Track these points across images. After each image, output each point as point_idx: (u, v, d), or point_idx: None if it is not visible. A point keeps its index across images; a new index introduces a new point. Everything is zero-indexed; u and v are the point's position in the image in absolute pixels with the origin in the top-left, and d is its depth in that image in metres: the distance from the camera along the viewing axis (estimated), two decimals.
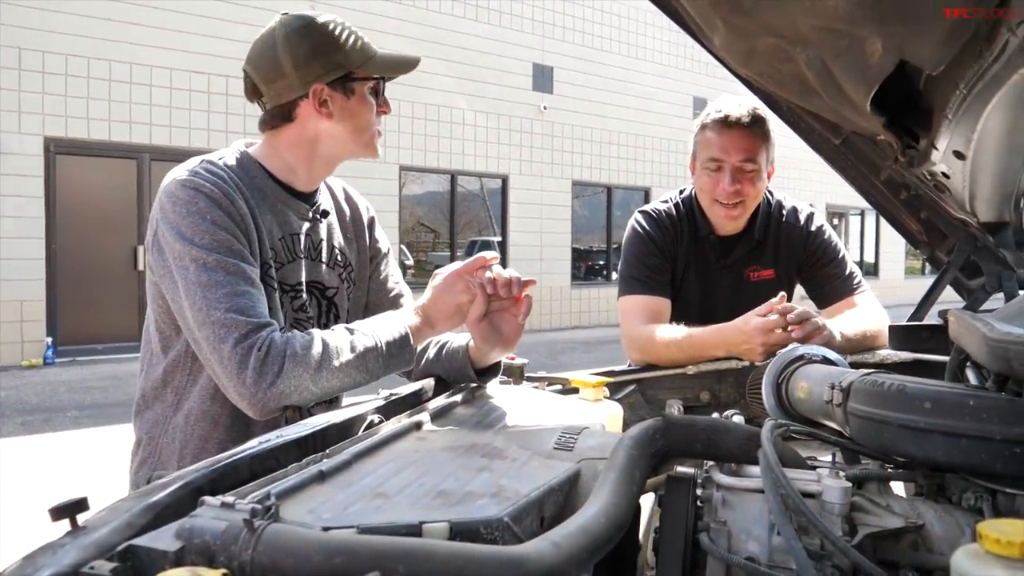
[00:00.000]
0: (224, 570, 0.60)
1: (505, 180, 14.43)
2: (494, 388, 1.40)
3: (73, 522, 0.67)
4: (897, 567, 0.88)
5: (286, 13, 1.46)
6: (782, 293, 1.74)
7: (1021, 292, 1.75)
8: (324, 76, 1.42)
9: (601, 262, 16.46)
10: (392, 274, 1.69)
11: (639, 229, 2.10)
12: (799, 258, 2.07)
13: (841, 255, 2.05)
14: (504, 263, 13.97)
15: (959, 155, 1.42)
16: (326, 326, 1.52)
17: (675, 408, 1.75)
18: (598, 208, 16.31)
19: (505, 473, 0.88)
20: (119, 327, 10.24)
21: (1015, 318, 1.11)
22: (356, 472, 0.87)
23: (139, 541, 0.64)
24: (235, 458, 0.84)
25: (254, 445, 0.88)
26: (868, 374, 1.06)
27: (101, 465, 5.26)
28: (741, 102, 1.98)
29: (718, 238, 2.09)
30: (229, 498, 0.68)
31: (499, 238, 14.64)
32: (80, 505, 0.67)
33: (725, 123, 1.97)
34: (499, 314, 1.39)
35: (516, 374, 1.50)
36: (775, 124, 1.99)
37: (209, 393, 1.38)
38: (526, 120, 14.46)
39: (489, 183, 14.61)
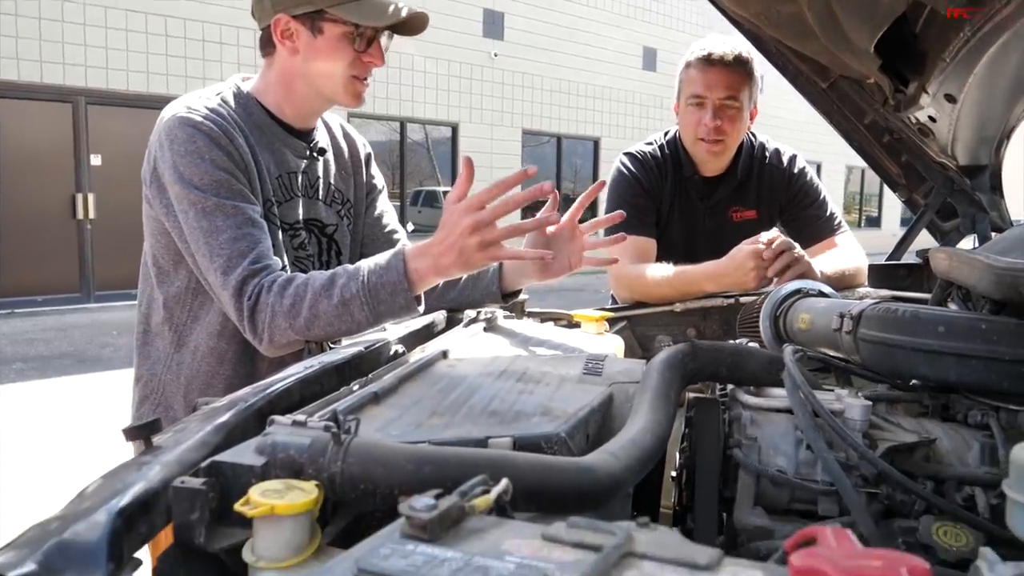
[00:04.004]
0: (316, 482, 0.61)
1: (455, 128, 14.29)
2: (503, 321, 1.41)
3: (148, 442, 0.68)
4: (912, 477, 0.93)
5: None
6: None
7: (994, 234, 1.83)
8: (293, 7, 1.38)
9: None
10: (387, 211, 1.68)
11: (624, 171, 2.12)
12: (781, 199, 2.12)
13: (822, 197, 2.11)
14: None
15: (950, 98, 1.46)
16: (327, 264, 1.51)
17: (665, 344, 1.79)
18: (547, 158, 16.29)
19: (547, 395, 0.91)
20: (59, 278, 9.93)
21: (1009, 252, 1.16)
22: (404, 395, 0.88)
23: (222, 457, 0.64)
24: (286, 382, 0.84)
25: (299, 370, 0.89)
26: (877, 302, 1.11)
27: (53, 416, 5.16)
28: (726, 41, 2.00)
29: (702, 179, 2.13)
30: (300, 416, 0.68)
31: (448, 188, 14.52)
32: (154, 426, 0.68)
33: (708, 61, 1.99)
34: (558, 240, 1.39)
35: (518, 309, 1.51)
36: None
37: (216, 330, 1.37)
38: (476, 67, 14.28)
39: (439, 132, 14.45)
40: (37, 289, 9.86)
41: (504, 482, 0.54)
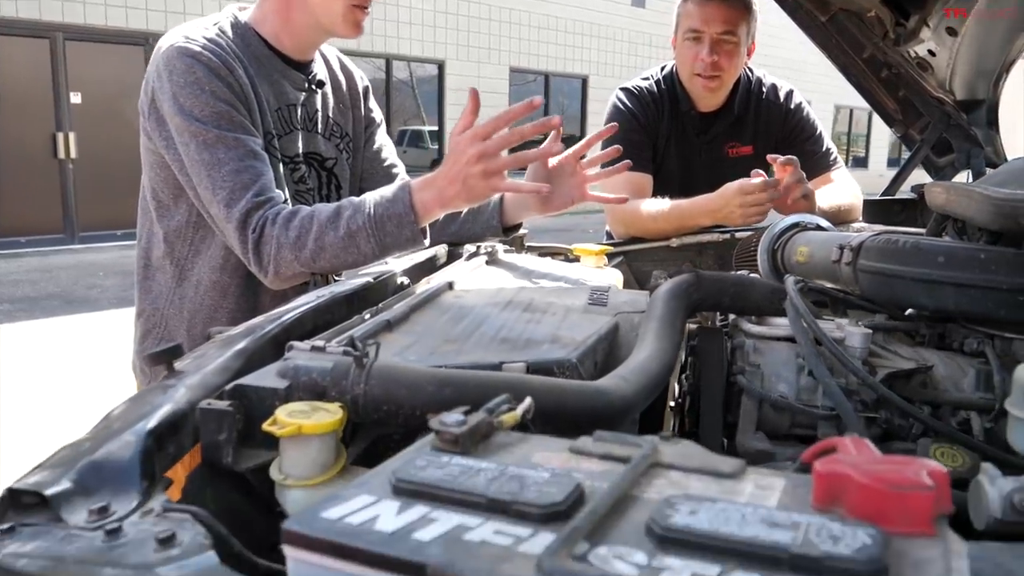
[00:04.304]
0: (340, 403, 0.63)
1: (441, 66, 14.05)
2: (504, 255, 1.42)
3: (170, 367, 0.68)
4: (910, 402, 0.96)
5: None
6: (759, 172, 1.79)
7: (989, 169, 1.84)
8: None
9: None
10: (385, 144, 1.66)
11: (620, 106, 2.11)
12: (777, 135, 2.11)
13: (818, 132, 2.10)
14: (440, 156, 13.68)
15: (951, 32, 1.45)
16: (327, 198, 1.50)
17: (661, 279, 1.80)
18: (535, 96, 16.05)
19: (555, 324, 0.92)
20: (42, 219, 9.81)
21: (1007, 184, 1.18)
22: (415, 323, 0.89)
23: (245, 381, 0.65)
24: (299, 311, 0.85)
25: (311, 300, 0.90)
26: (878, 234, 1.12)
27: (44, 356, 5.17)
28: None
29: (698, 114, 2.12)
30: (319, 342, 0.70)
31: (435, 127, 14.37)
32: (176, 351, 0.68)
33: None
34: (558, 174, 1.39)
35: (517, 243, 1.52)
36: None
37: (218, 264, 1.37)
38: (463, 2, 13.99)
39: (425, 70, 14.21)
40: (20, 230, 9.74)
41: (528, 400, 0.56)
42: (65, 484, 0.53)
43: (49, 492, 0.51)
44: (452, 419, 0.51)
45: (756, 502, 0.43)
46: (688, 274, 1.05)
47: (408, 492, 0.44)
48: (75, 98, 9.82)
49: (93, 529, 0.49)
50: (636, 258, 1.86)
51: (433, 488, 0.44)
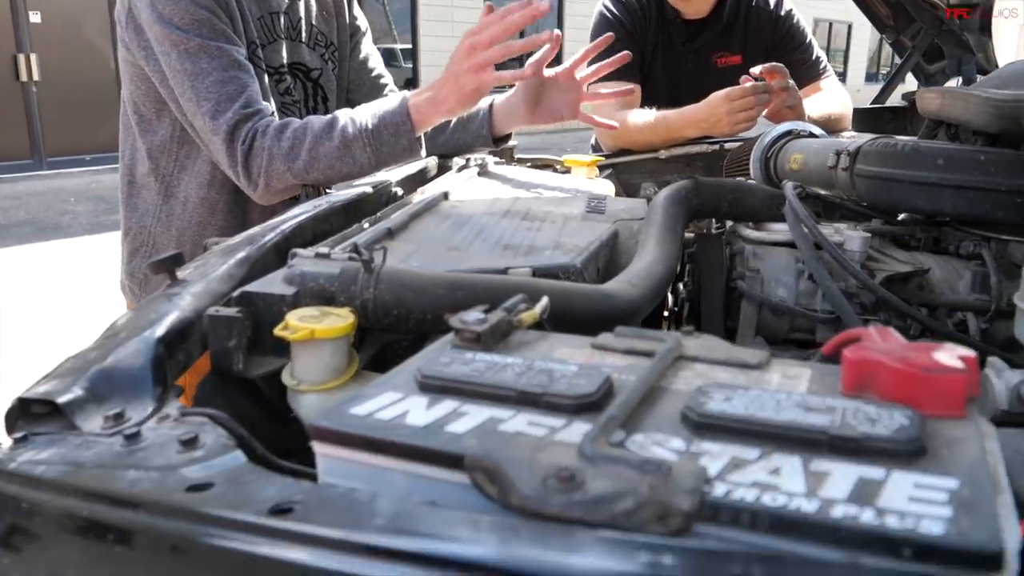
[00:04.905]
0: (350, 308, 0.62)
1: None
2: (494, 167, 1.40)
3: (172, 275, 0.67)
4: (907, 304, 0.97)
5: None
6: (748, 77, 1.76)
7: (979, 76, 1.82)
8: None
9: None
10: (372, 54, 1.61)
11: (607, 14, 2.05)
12: (767, 43, 2.07)
13: (808, 40, 2.06)
14: (415, 75, 13.17)
15: None
16: (313, 111, 1.46)
17: (650, 191, 1.79)
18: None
19: (555, 232, 0.91)
20: (8, 145, 9.50)
21: (1005, 87, 1.16)
22: (415, 231, 0.88)
23: (252, 288, 0.64)
24: (298, 219, 0.83)
25: (309, 209, 0.88)
26: (876, 138, 1.11)
27: (18, 283, 5.09)
28: None
29: (684, 22, 2.06)
30: (323, 249, 0.68)
31: (408, 45, 13.97)
32: (178, 259, 0.67)
33: None
34: (552, 86, 1.36)
35: (507, 155, 1.49)
36: None
37: (205, 180, 1.33)
38: None
39: None
40: None
41: (545, 299, 0.55)
42: (77, 392, 0.52)
43: (61, 400, 0.50)
44: (472, 317, 0.50)
45: (783, 389, 0.43)
46: (686, 180, 1.04)
47: (435, 388, 0.44)
48: (35, 17, 9.41)
49: (111, 435, 0.48)
50: (625, 170, 1.84)
51: (461, 383, 0.43)
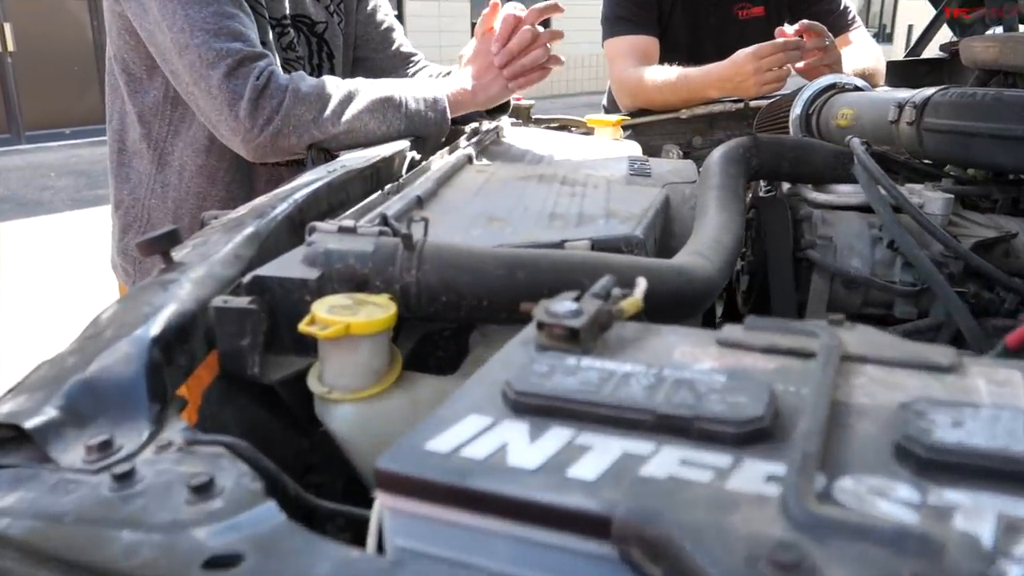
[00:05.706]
0: (388, 294, 0.50)
1: None
2: (510, 129, 1.27)
3: (167, 257, 0.55)
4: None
5: None
6: (781, 31, 1.64)
7: (1023, 26, 1.70)
8: None
9: None
10: (380, 4, 1.46)
11: None
12: None
13: None
14: None
15: None
16: (318, 68, 1.32)
17: (672, 153, 1.67)
18: None
19: (602, 197, 0.80)
20: None
21: None
22: (447, 200, 0.76)
23: (265, 271, 0.52)
24: (311, 187, 0.71)
25: (323, 175, 0.75)
26: (946, 88, 0.99)
27: (5, 261, 4.93)
28: None
29: None
30: (347, 222, 0.56)
31: (394, 11, 13.66)
32: (173, 236, 0.54)
33: None
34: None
35: (524, 115, 1.37)
36: None
37: (203, 146, 1.19)
38: None
39: None
40: None
41: (643, 282, 0.44)
42: (51, 412, 0.40)
43: (30, 424, 0.39)
44: (564, 308, 0.38)
45: (1009, 402, 0.32)
46: (744, 137, 0.92)
47: (534, 408, 0.32)
48: None
49: (96, 471, 0.36)
50: (644, 132, 1.71)
51: (571, 401, 0.32)
